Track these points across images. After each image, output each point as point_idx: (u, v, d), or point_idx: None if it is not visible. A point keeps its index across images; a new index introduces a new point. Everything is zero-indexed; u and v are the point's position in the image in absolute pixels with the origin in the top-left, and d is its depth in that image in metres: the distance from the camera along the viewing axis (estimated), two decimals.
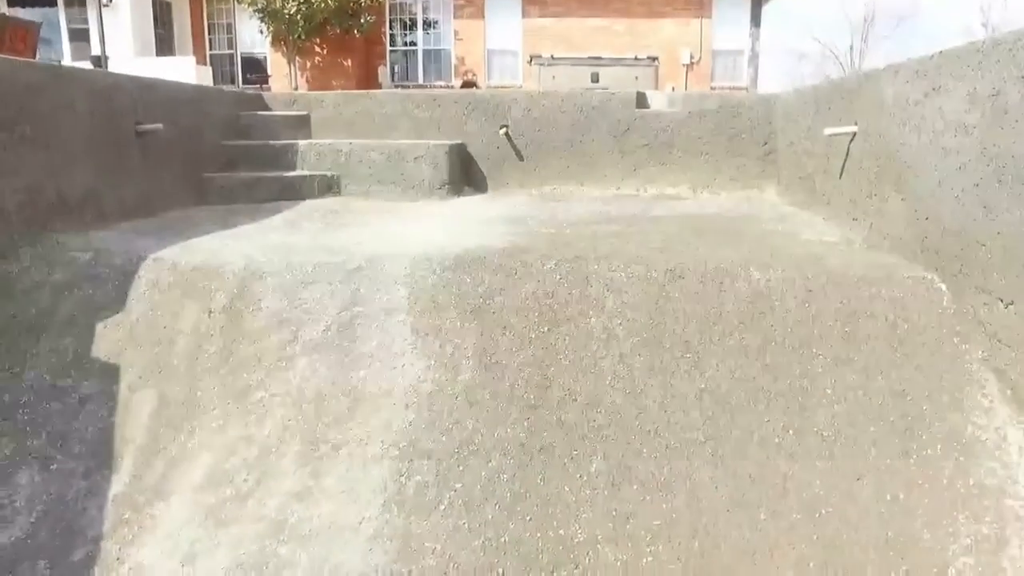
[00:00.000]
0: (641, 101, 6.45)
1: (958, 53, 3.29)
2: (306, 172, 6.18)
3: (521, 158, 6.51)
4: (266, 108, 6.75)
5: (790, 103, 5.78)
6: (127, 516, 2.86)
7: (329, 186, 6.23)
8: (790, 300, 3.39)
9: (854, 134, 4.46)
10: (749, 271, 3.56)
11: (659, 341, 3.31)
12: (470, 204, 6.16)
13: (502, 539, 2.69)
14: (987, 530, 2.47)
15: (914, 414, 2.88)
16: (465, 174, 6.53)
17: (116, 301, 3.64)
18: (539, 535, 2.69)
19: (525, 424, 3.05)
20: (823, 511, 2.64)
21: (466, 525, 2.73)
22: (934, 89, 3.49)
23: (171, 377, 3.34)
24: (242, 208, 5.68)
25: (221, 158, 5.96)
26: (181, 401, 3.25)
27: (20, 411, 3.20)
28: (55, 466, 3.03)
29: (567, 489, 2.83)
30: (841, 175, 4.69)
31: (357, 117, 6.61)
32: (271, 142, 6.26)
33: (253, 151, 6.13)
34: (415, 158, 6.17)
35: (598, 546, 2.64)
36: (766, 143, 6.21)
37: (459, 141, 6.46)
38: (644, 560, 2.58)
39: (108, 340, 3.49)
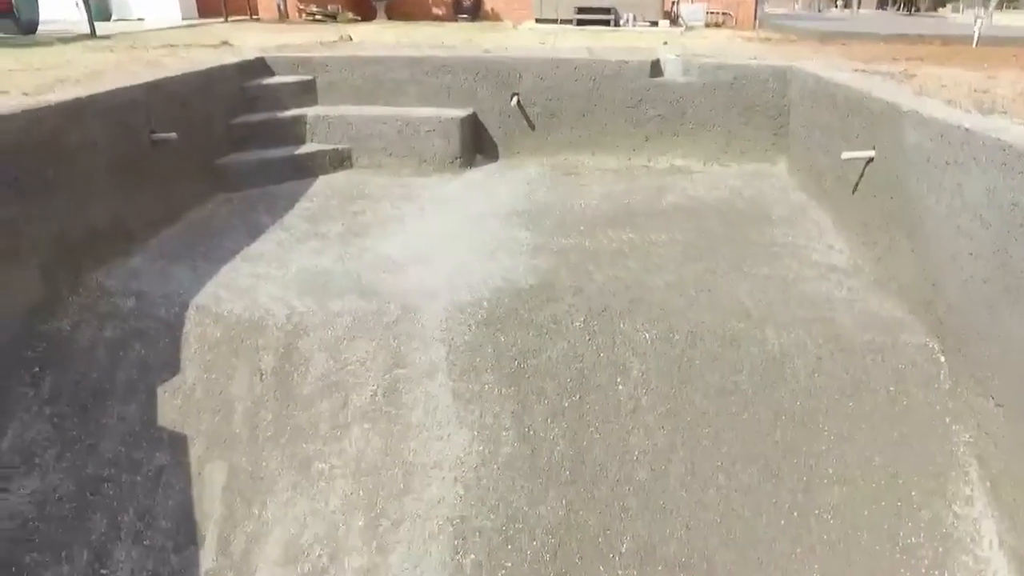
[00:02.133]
0: (655, 70, 6.38)
1: (984, 140, 3.41)
2: (317, 147, 6.21)
3: (533, 127, 6.53)
4: (270, 73, 6.59)
5: (808, 88, 5.79)
6: None
7: (341, 160, 6.28)
8: (800, 368, 3.75)
9: (871, 158, 4.60)
10: (764, 332, 3.89)
11: (681, 413, 3.69)
12: (482, 183, 6.27)
13: None
14: (947, 568, 3.03)
15: (903, 498, 3.35)
16: (476, 143, 6.56)
17: (170, 363, 3.93)
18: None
19: (563, 502, 3.50)
20: (829, 567, 3.18)
21: None
22: (957, 163, 3.64)
23: (235, 447, 3.71)
24: (258, 198, 5.78)
25: (231, 138, 5.95)
26: (249, 472, 3.65)
27: (106, 485, 3.58)
28: (147, 541, 3.46)
29: (601, 568, 3.32)
30: (854, 191, 4.88)
31: (364, 83, 6.50)
32: (279, 115, 6.21)
33: (262, 127, 6.10)
34: (427, 131, 6.19)
35: None
36: (779, 116, 6.26)
37: (470, 110, 6.43)
38: None
39: (170, 407, 3.81)
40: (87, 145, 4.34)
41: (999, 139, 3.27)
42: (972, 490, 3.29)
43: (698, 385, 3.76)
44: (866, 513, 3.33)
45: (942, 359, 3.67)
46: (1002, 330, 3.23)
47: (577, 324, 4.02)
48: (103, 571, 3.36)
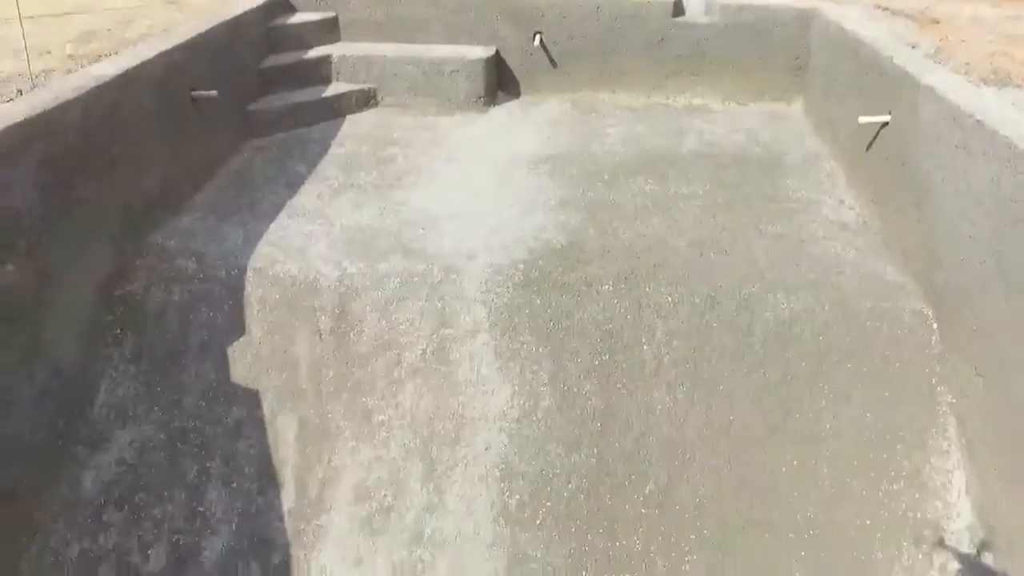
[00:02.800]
0: (677, 9, 6.48)
1: (992, 134, 3.74)
2: (343, 87, 6.41)
3: (554, 65, 6.69)
4: (292, 10, 6.66)
5: (830, 36, 5.95)
6: (302, 527, 3.97)
7: (367, 99, 6.50)
8: (807, 332, 4.25)
9: (886, 123, 4.91)
10: (776, 297, 4.35)
11: (699, 373, 4.22)
12: (506, 123, 6.52)
13: (584, 548, 3.86)
14: (921, 554, 3.67)
15: (889, 451, 3.93)
16: (499, 81, 6.74)
17: (236, 325, 4.40)
18: (610, 544, 3.86)
19: (595, 451, 4.07)
20: (812, 532, 3.81)
21: (557, 536, 3.88)
22: (966, 149, 3.99)
23: (302, 401, 4.24)
24: (291, 144, 6.06)
25: (260, 82, 6.14)
26: (316, 424, 4.20)
27: (193, 435, 4.14)
28: (234, 484, 4.06)
29: (627, 507, 3.94)
30: (867, 149, 5.20)
31: (387, 20, 6.60)
32: (304, 55, 6.37)
33: (289, 69, 6.27)
34: (451, 72, 6.38)
35: (650, 555, 3.82)
36: (798, 58, 6.44)
37: (492, 49, 6.58)
38: (684, 567, 3.78)
39: (240, 365, 4.32)
40: (139, 115, 4.61)
41: (1006, 136, 3.60)
42: (949, 446, 3.86)
43: (715, 346, 4.26)
44: (856, 464, 3.92)
45: (934, 326, 4.16)
46: (989, 309, 3.69)
47: (606, 287, 4.46)
48: (200, 508, 3.96)
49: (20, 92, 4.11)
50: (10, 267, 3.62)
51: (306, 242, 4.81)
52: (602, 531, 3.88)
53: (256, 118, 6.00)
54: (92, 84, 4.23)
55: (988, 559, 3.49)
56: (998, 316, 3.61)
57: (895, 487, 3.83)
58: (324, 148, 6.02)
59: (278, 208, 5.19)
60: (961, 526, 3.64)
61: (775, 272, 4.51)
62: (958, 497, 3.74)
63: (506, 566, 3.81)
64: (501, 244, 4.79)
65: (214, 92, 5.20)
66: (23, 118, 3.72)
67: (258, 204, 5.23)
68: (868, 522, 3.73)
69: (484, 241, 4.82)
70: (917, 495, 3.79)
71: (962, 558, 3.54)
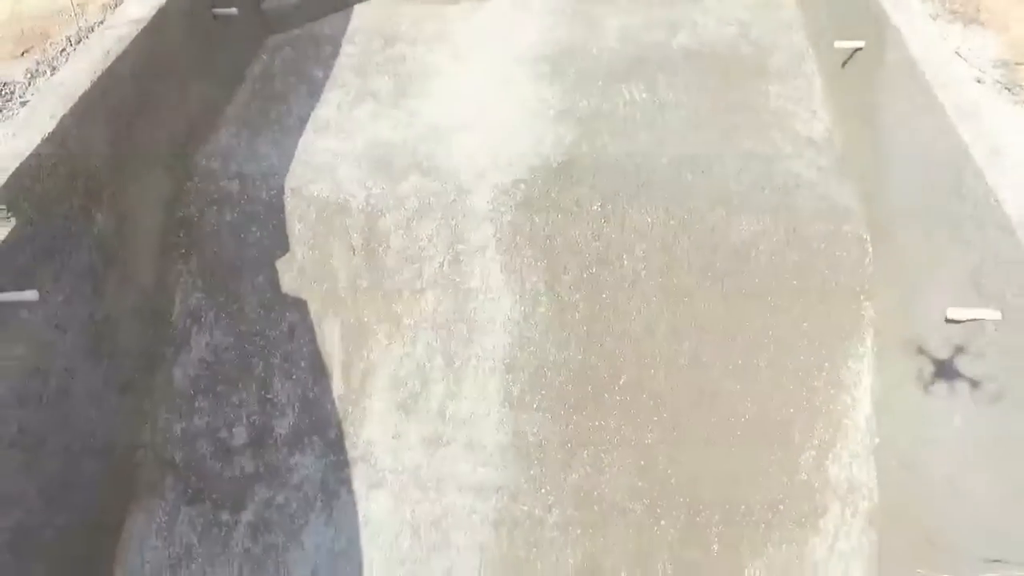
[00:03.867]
0: None
1: (934, 95, 4.41)
2: None
3: None
4: None
5: None
6: (349, 409, 5.16)
7: None
8: (763, 252, 5.17)
9: (859, 48, 5.47)
10: (740, 219, 5.23)
11: (669, 286, 5.20)
12: (507, 11, 6.86)
13: (570, 427, 5.06)
14: (828, 436, 4.88)
15: (816, 354, 5.01)
16: None
17: (281, 242, 5.30)
18: (590, 424, 5.07)
19: (581, 349, 5.16)
20: (746, 417, 4.99)
21: (550, 418, 5.09)
22: (912, 101, 4.67)
23: (343, 308, 5.26)
24: (306, 43, 6.54)
25: None
26: (355, 326, 5.25)
27: (256, 338, 5.21)
28: (293, 376, 5.20)
29: (605, 396, 5.11)
30: (843, 66, 5.78)
31: None
32: None
33: None
34: None
35: (621, 432, 5.04)
36: None
37: None
38: (646, 440, 5.01)
39: (288, 277, 5.28)
40: (174, 48, 5.16)
41: (942, 103, 4.29)
42: (864, 352, 4.95)
43: (685, 263, 5.20)
44: (789, 365, 5.02)
45: (869, 250, 5.07)
46: (912, 241, 4.60)
47: (595, 208, 5.31)
48: (268, 396, 5.13)
49: (71, 41, 4.68)
50: (99, 216, 4.47)
51: (333, 160, 5.56)
52: (585, 413, 5.07)
53: (271, 16, 6.41)
54: (133, 30, 4.77)
55: (877, 441, 4.71)
56: (918, 247, 4.52)
57: (817, 384, 4.97)
58: (336, 47, 6.50)
59: (303, 121, 5.86)
60: (861, 415, 4.81)
61: (742, 194, 5.33)
62: (863, 392, 4.89)
63: (510, 439, 5.04)
64: (506, 161, 5.55)
65: (234, 10, 5.65)
66: (88, 83, 4.36)
67: (284, 118, 5.89)
68: (792, 411, 4.90)
69: (490, 158, 5.57)
70: (832, 391, 4.93)
71: (860, 441, 4.76)
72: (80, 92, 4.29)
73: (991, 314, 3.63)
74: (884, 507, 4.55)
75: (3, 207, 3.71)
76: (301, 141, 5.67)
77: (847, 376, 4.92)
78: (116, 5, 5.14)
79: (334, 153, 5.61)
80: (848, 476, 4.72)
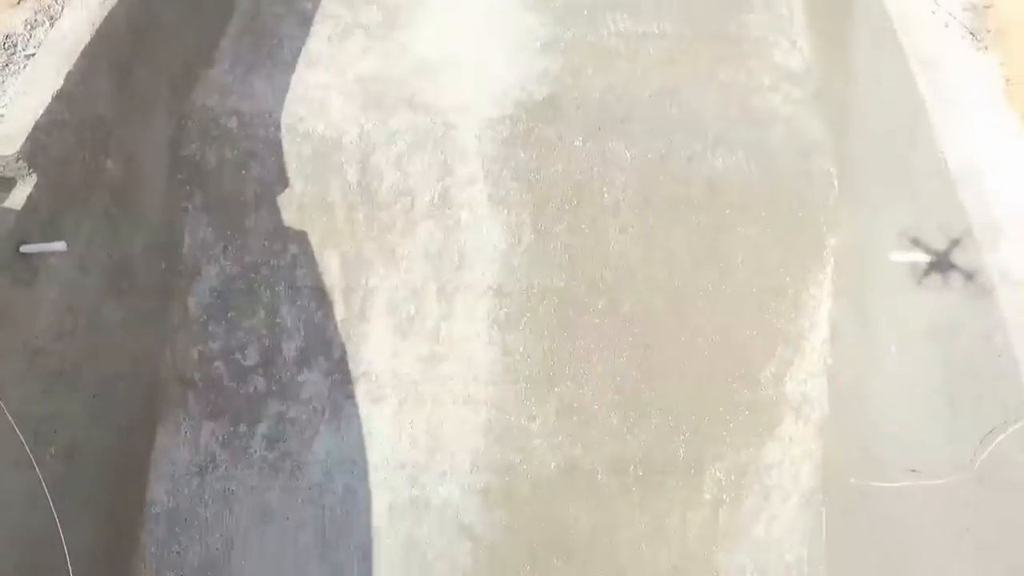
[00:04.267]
0: None
1: (899, 44, 4.66)
2: None
3: None
4: None
5: None
6: (351, 332, 5.66)
7: None
8: (735, 184, 5.54)
9: None
10: (715, 152, 5.58)
11: (646, 215, 5.60)
12: None
13: (552, 346, 5.57)
14: (787, 355, 5.40)
15: (780, 281, 5.46)
16: None
17: (281, 178, 5.66)
18: (570, 345, 5.60)
19: (563, 275, 5.62)
20: (714, 336, 5.51)
21: (534, 338, 5.61)
22: (881, 45, 4.91)
23: (341, 240, 5.68)
24: None
25: None
26: (354, 257, 5.68)
27: (262, 268, 5.67)
28: (298, 303, 5.69)
29: (584, 318, 5.61)
30: None
31: None
32: None
33: None
34: None
35: (599, 352, 5.57)
36: None
37: None
38: (621, 360, 5.55)
39: (288, 211, 5.67)
40: None
41: (907, 51, 4.55)
42: (824, 279, 5.40)
43: (662, 195, 5.58)
44: (754, 289, 5.49)
45: (835, 183, 5.44)
46: (871, 182, 4.98)
47: (577, 143, 5.64)
48: (276, 320, 5.63)
49: None
50: (109, 162, 4.83)
51: (326, 96, 5.83)
52: (566, 335, 5.58)
53: None
54: None
55: (830, 361, 5.26)
56: (876, 188, 4.91)
57: (779, 308, 5.46)
58: None
59: (294, 55, 6.07)
60: (818, 338, 5.33)
61: (718, 127, 5.64)
62: (822, 317, 5.38)
63: (499, 357, 5.58)
64: (492, 95, 5.82)
65: None
66: (88, 36, 4.61)
67: (276, 52, 6.10)
68: (755, 332, 5.41)
69: (477, 92, 5.83)
70: (793, 315, 5.43)
71: (815, 360, 5.30)
72: (82, 46, 4.53)
73: (924, 258, 4.06)
74: (832, 420, 5.14)
75: (24, 164, 4.06)
76: (294, 77, 5.91)
77: (807, 301, 5.40)
78: None
79: (326, 88, 5.86)
80: (803, 391, 5.29)
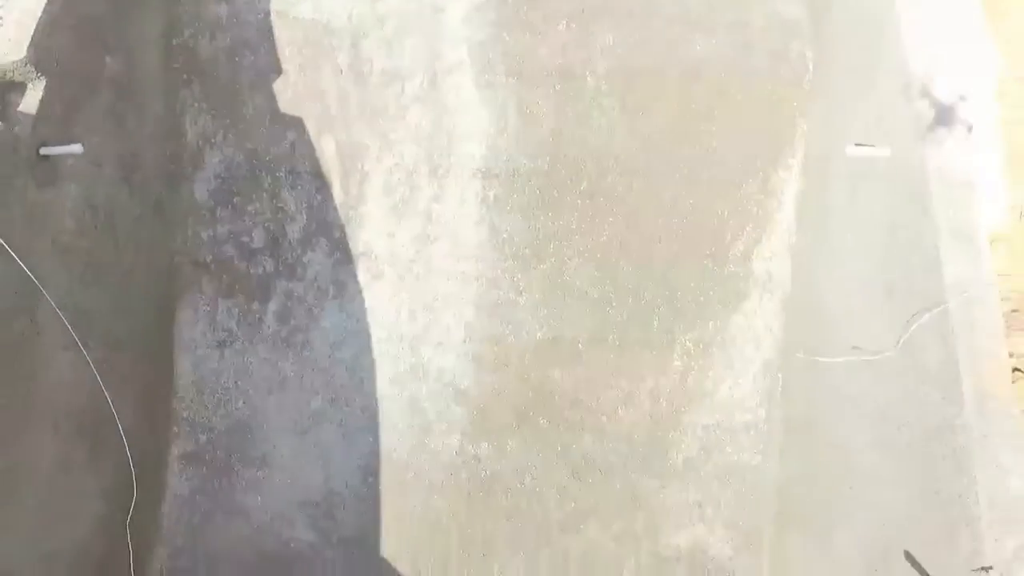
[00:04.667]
0: None
1: None
2: None
3: None
4: None
5: None
6: (349, 214, 6.09)
7: None
8: (715, 70, 5.78)
9: None
10: (695, 38, 5.78)
11: (628, 101, 5.87)
12: None
13: (538, 225, 6.01)
14: (755, 235, 5.86)
15: (753, 165, 5.81)
16: None
17: (274, 65, 5.88)
18: (554, 223, 6.04)
19: (547, 159, 5.97)
20: (688, 216, 5.94)
21: (520, 217, 6.04)
22: None
23: (335, 125, 5.98)
24: None
25: None
26: (348, 142, 6.01)
27: (262, 154, 6.01)
28: (298, 187, 6.08)
29: (567, 199, 6.02)
30: None
31: None
32: None
33: None
34: None
35: (581, 230, 6.03)
36: None
37: None
38: (602, 238, 6.02)
39: (283, 97, 5.95)
40: None
41: None
42: (793, 163, 5.76)
43: (642, 79, 5.81)
44: (727, 172, 5.84)
45: (810, 67, 5.68)
46: (841, 71, 5.24)
47: (561, 27, 5.81)
48: (279, 204, 6.04)
49: None
50: (108, 59, 5.07)
51: None
52: (550, 214, 6.01)
53: None
54: None
55: (794, 240, 5.73)
56: (845, 78, 5.19)
57: (750, 190, 5.85)
58: None
59: None
60: (785, 218, 5.77)
61: (699, 10, 5.79)
62: (789, 198, 5.79)
63: (487, 236, 6.04)
64: None
65: None
66: None
67: None
68: (726, 212, 5.84)
69: None
70: (762, 197, 5.83)
71: (781, 240, 5.76)
72: None
73: (883, 152, 4.43)
74: (793, 295, 5.68)
75: (32, 68, 4.34)
76: None
77: (776, 183, 5.79)
78: None
79: None
80: (768, 269, 5.79)
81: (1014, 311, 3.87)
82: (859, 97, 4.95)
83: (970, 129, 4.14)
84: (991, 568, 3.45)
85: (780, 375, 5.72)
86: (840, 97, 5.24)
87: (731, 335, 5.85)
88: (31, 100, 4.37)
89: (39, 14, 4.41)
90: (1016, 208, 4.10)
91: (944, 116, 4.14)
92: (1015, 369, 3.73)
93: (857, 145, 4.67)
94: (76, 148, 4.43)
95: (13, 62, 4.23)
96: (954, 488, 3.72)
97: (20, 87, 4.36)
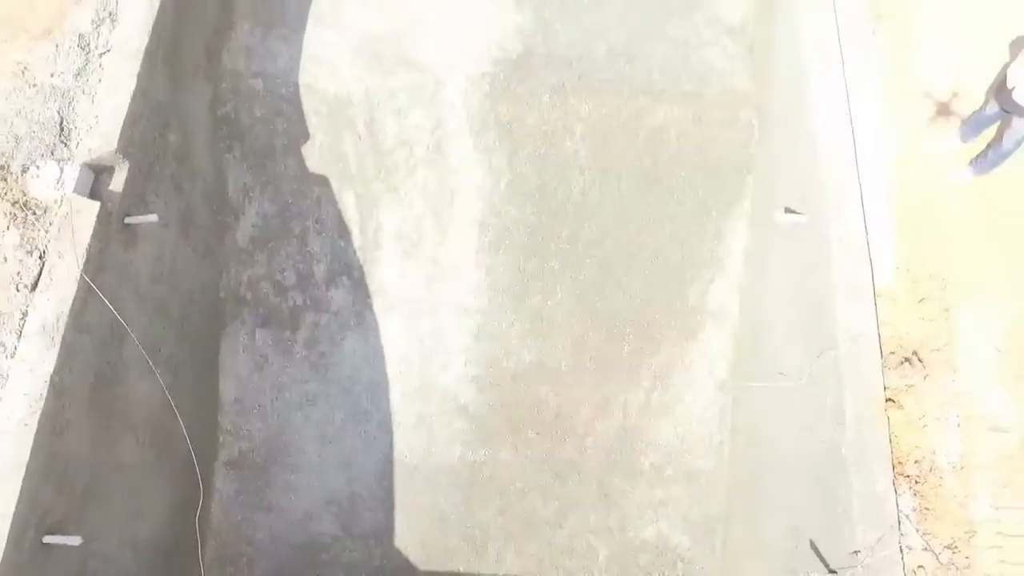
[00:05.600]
0: None
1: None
2: None
3: None
4: None
5: None
6: (367, 256, 7.37)
7: None
8: (673, 135, 7.04)
9: None
10: (659, 107, 7.03)
11: (601, 159, 7.13)
12: None
13: (526, 266, 7.29)
14: (710, 275, 7.11)
15: (707, 215, 7.09)
16: None
17: (303, 132, 7.16)
18: (539, 264, 7.31)
19: (535, 210, 7.23)
20: (654, 259, 7.20)
21: (511, 259, 7.30)
22: (793, 25, 6.27)
23: (355, 182, 7.26)
24: None
25: None
26: (366, 196, 7.28)
27: (293, 206, 7.29)
28: (323, 235, 7.34)
29: (552, 246, 7.28)
30: None
31: None
32: None
33: None
34: None
35: (565, 270, 7.30)
36: None
37: None
38: (580, 277, 7.28)
39: (311, 159, 7.22)
40: None
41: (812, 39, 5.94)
42: (742, 212, 7.02)
43: (614, 142, 7.08)
44: (687, 221, 7.11)
45: (756, 134, 6.93)
46: (778, 138, 6.49)
47: (545, 99, 7.07)
48: (307, 249, 7.32)
49: None
50: (171, 136, 6.34)
51: (334, 55, 7.19)
52: (537, 257, 7.28)
53: None
54: None
55: (741, 280, 6.98)
56: (781, 145, 6.43)
57: (706, 235, 7.11)
58: None
59: (303, 15, 7.34)
60: (735, 260, 7.02)
61: (663, 82, 7.05)
62: (739, 243, 7.04)
63: (484, 276, 7.31)
64: (474, 53, 7.17)
65: None
66: (146, 35, 5.98)
67: (287, 11, 7.36)
68: (685, 255, 7.10)
69: (461, 50, 7.17)
70: (716, 242, 7.09)
71: (731, 279, 7.02)
72: (143, 46, 5.90)
73: (803, 219, 5.67)
74: (740, 328, 6.94)
75: (120, 155, 5.60)
76: (305, 37, 7.22)
77: (728, 230, 7.05)
78: None
79: (334, 47, 7.20)
80: (720, 303, 7.06)
81: (891, 353, 5.09)
82: (791, 163, 6.19)
83: (863, 202, 5.38)
84: (860, 551, 4.70)
85: (730, 394, 6.98)
86: (778, 161, 6.47)
87: (689, 360, 7.11)
88: (118, 180, 5.61)
89: (124, 111, 5.66)
90: (900, 267, 5.33)
91: (845, 189, 5.39)
92: (888, 399, 4.97)
93: (786, 211, 5.88)
94: (153, 218, 5.68)
95: (108, 153, 5.48)
96: (841, 490, 4.97)
97: (110, 170, 5.61)
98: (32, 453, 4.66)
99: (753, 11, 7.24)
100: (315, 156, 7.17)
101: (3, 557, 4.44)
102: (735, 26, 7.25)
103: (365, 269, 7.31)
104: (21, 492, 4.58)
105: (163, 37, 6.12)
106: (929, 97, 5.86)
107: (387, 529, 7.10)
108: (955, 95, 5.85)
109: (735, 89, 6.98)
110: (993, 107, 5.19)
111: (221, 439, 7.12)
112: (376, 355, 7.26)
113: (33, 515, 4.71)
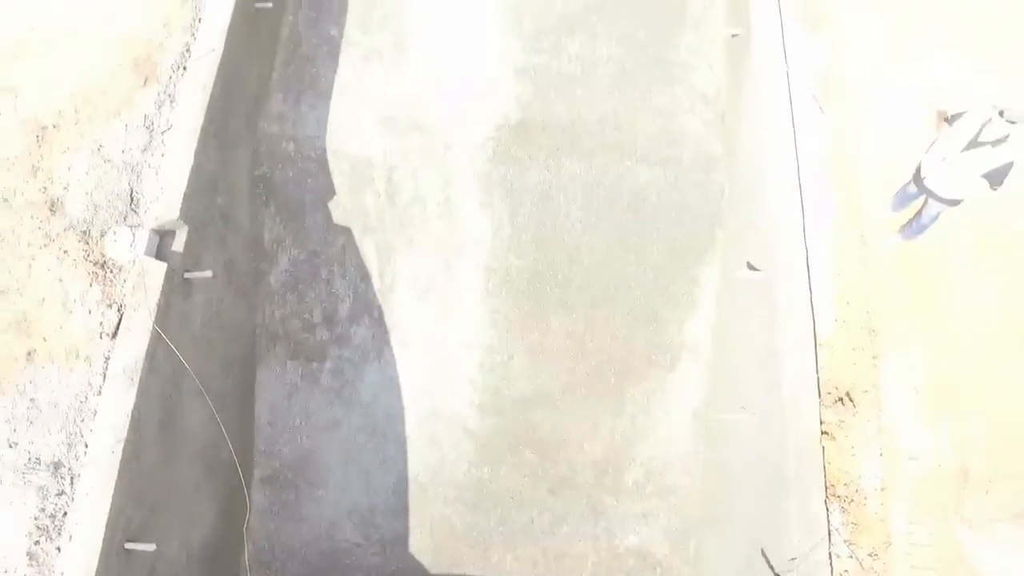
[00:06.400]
0: None
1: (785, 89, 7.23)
2: None
3: None
4: None
5: None
6: (384, 299, 8.55)
7: None
8: (653, 193, 8.22)
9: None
10: (640, 168, 8.21)
11: (589, 215, 8.30)
12: None
13: (526, 307, 8.46)
14: (684, 314, 8.28)
15: (683, 264, 8.26)
16: None
17: (329, 190, 8.35)
18: (535, 304, 8.49)
19: (533, 258, 8.41)
20: (637, 300, 8.38)
21: (512, 300, 8.48)
22: (772, 95, 7.44)
23: (375, 233, 8.43)
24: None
25: None
26: (384, 245, 8.46)
27: (320, 254, 8.47)
28: (345, 278, 8.53)
29: (548, 289, 8.46)
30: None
31: None
32: None
33: None
34: None
35: (561, 307, 8.48)
36: None
37: None
38: (573, 317, 8.46)
39: (336, 213, 8.41)
40: (236, 45, 7.74)
41: (783, 114, 7.12)
42: (714, 261, 8.18)
43: (602, 199, 8.25)
44: (666, 269, 8.27)
45: (726, 192, 8.10)
46: (744, 199, 7.66)
47: (541, 160, 8.26)
48: (333, 291, 8.50)
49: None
50: (219, 198, 7.53)
51: (357, 121, 8.38)
52: (534, 299, 8.45)
53: None
54: (215, 57, 7.41)
55: (714, 319, 8.15)
56: (745, 208, 7.59)
57: (682, 282, 8.28)
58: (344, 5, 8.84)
59: (330, 85, 8.54)
60: (708, 304, 8.19)
61: (645, 147, 8.23)
62: (711, 288, 8.21)
63: (488, 315, 8.48)
64: (479, 120, 8.36)
65: (269, 4, 8.08)
66: (201, 113, 7.17)
67: (316, 82, 8.56)
68: (665, 298, 8.27)
69: (468, 116, 8.35)
70: (691, 287, 8.26)
71: (705, 317, 8.18)
72: (199, 124, 7.09)
73: (760, 275, 6.84)
74: (713, 362, 8.11)
75: (181, 221, 6.79)
76: (331, 105, 8.41)
77: (702, 277, 8.23)
78: (192, 25, 7.63)
79: (356, 113, 8.39)
80: (695, 338, 8.23)
81: (828, 393, 6.25)
82: (753, 223, 7.36)
83: (808, 264, 6.55)
84: (796, 558, 5.86)
85: (703, 421, 8.15)
86: (742, 220, 7.64)
87: (668, 389, 8.28)
88: (179, 241, 6.79)
89: (184, 183, 6.84)
90: (838, 320, 6.49)
91: (794, 251, 6.56)
92: (824, 432, 6.13)
93: (748, 266, 7.05)
94: (208, 274, 6.86)
95: (171, 220, 6.67)
96: (788, 506, 6.14)
97: (172, 234, 6.79)
98: (118, 475, 5.83)
99: (724, 83, 8.41)
100: (340, 210, 8.35)
101: (98, 560, 5.62)
102: (709, 94, 8.42)
103: (383, 309, 8.48)
104: (111, 507, 5.75)
105: (214, 114, 7.30)
106: (870, 169, 7.01)
107: (402, 537, 8.26)
108: (891, 169, 7.00)
109: (708, 153, 8.15)
110: (912, 187, 6.35)
111: (257, 458, 8.30)
112: (393, 384, 8.42)
113: (118, 525, 5.88)
